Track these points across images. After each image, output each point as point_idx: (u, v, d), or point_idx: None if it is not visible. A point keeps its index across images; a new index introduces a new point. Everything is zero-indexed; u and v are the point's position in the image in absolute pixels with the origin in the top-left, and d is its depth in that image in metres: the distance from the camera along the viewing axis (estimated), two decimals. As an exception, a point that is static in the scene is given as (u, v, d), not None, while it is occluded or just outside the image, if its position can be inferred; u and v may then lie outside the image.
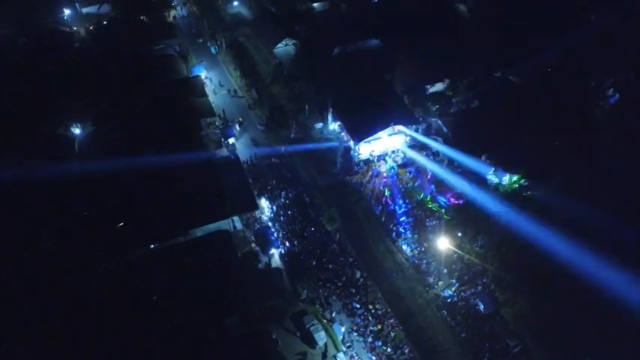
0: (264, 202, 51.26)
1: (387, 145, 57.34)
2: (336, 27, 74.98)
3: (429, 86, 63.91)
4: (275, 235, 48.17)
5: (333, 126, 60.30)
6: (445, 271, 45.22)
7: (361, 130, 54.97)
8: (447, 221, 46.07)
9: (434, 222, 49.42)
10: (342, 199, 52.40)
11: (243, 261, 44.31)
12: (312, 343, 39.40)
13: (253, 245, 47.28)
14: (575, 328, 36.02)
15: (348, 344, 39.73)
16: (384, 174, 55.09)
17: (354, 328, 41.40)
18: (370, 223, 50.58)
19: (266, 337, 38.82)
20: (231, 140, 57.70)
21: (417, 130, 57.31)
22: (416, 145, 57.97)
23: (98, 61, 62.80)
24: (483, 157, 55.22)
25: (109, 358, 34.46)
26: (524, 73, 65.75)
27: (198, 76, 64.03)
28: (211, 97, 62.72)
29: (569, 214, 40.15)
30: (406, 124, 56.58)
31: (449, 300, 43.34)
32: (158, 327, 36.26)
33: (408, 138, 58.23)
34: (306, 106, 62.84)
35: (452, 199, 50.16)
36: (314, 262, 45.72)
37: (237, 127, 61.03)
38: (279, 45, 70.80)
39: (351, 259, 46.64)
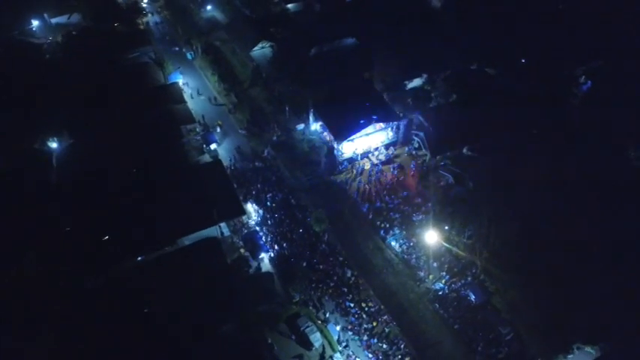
0: (250, 207, 50.89)
1: (370, 142, 57.61)
2: (312, 27, 75.10)
3: (407, 82, 64.51)
4: (263, 239, 47.90)
5: (315, 126, 60.27)
6: (435, 264, 45.68)
7: (343, 129, 55.08)
8: (434, 215, 46.46)
9: (420, 216, 49.90)
10: (329, 199, 52.39)
11: (233, 267, 43.92)
12: (307, 345, 39.38)
13: (242, 251, 46.92)
14: (566, 313, 36.76)
15: (344, 344, 39.77)
16: (369, 172, 55.40)
17: (349, 327, 41.53)
18: (358, 221, 50.71)
19: (262, 342, 38.61)
20: (213, 146, 57.08)
21: (398, 127, 57.69)
22: (398, 141, 58.50)
23: (71, 72, 61.31)
24: (465, 149, 56.11)
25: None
26: (499, 64, 67.08)
27: (176, 83, 63.12)
28: (190, 103, 61.90)
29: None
30: (387, 120, 56.91)
31: (440, 293, 43.84)
32: (152, 339, 35.72)
33: (390, 134, 58.61)
34: (287, 108, 62.64)
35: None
36: (304, 264, 45.62)
37: (218, 130, 60.51)
38: (256, 48, 70.35)
39: (341, 259, 46.72)
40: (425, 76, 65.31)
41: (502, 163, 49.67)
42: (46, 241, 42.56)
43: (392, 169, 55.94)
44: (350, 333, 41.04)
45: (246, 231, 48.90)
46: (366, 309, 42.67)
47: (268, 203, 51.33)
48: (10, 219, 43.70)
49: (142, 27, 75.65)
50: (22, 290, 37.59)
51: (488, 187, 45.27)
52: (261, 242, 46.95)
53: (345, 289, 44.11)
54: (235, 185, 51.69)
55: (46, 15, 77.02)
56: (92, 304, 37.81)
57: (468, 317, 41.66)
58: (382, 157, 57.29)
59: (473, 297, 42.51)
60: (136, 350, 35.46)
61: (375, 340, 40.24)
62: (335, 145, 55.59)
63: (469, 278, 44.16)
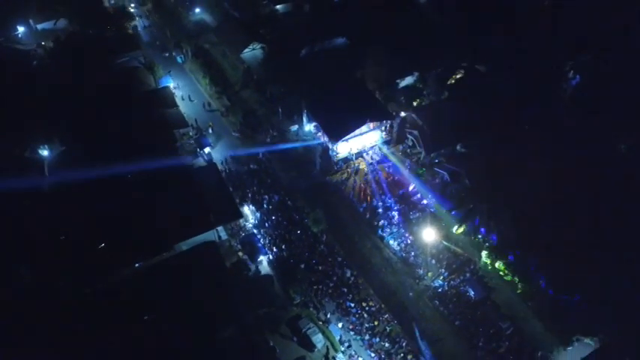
0: (247, 210, 50.66)
1: (364, 142, 57.72)
2: (301, 28, 74.99)
3: (399, 81, 64.71)
4: (261, 241, 47.72)
5: (309, 127, 60.21)
6: (433, 261, 45.92)
7: (337, 129, 55.07)
8: (431, 212, 46.69)
9: (417, 214, 50.13)
10: (325, 199, 52.32)
11: (232, 271, 43.66)
12: (310, 346, 39.36)
13: (240, 254, 46.72)
14: (566, 306, 37.17)
15: (346, 344, 39.77)
16: (364, 171, 55.48)
17: (350, 327, 41.55)
18: (355, 221, 50.78)
19: (263, 345, 38.47)
20: (207, 149, 56.71)
21: (392, 125, 57.86)
22: (392, 140, 58.69)
23: (60, 78, 60.46)
24: (459, 146, 56.48)
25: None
26: (489, 61, 67.59)
27: (167, 87, 62.58)
28: (182, 107, 61.42)
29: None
30: (381, 120, 57.06)
31: (440, 290, 44.07)
32: (152, 346, 35.36)
33: (384, 133, 58.78)
34: (280, 109, 62.48)
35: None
36: (303, 266, 45.54)
37: (210, 131, 60.27)
38: (246, 50, 70.11)
39: (339, 259, 46.74)
40: (416, 74, 65.61)
41: (496, 159, 49.94)
42: (40, 251, 41.97)
43: (386, 168, 56.08)
44: (352, 333, 41.04)
45: (243, 234, 48.67)
46: (367, 308, 42.76)
47: (265, 205, 51.12)
48: (1, 229, 42.95)
49: (130, 31, 74.87)
50: (19, 303, 37.04)
51: (484, 183, 45.53)
52: (259, 245, 46.79)
53: (345, 289, 44.13)
54: (231, 188, 51.43)
55: (31, 21, 75.95)
56: (91, 312, 37.30)
57: (468, 313, 41.97)
58: (377, 157, 57.39)
59: (472, 293, 42.83)
60: (136, 357, 35.13)
61: (377, 339, 40.34)
62: (330, 146, 55.54)
63: (468, 275, 44.46)
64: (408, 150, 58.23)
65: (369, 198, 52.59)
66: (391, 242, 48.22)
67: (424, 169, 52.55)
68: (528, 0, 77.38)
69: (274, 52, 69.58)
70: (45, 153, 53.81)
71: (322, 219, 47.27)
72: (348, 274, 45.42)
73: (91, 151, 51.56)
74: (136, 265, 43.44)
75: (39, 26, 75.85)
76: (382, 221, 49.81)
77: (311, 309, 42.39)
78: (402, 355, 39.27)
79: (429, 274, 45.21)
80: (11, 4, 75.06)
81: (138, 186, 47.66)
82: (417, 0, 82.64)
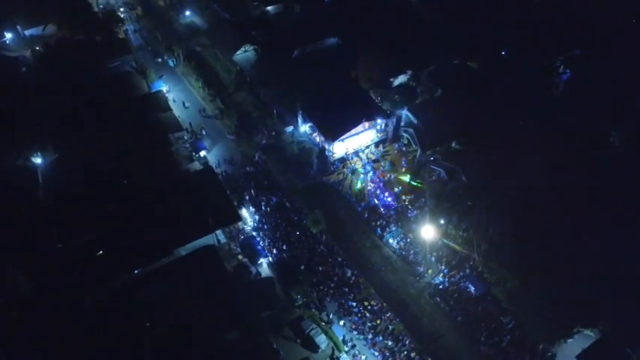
0: (245, 212, 50.47)
1: (360, 141, 57.84)
2: (293, 29, 74.98)
3: (392, 79, 64.92)
4: (261, 244, 47.60)
5: (304, 128, 60.12)
6: (433, 259, 46.14)
7: (333, 129, 55.14)
8: (430, 210, 46.90)
9: (415, 212, 50.30)
10: (323, 200, 52.33)
11: (234, 274, 43.49)
12: (313, 347, 39.39)
13: (240, 257, 46.56)
14: (565, 299, 37.56)
15: (351, 344, 39.83)
16: (361, 170, 55.58)
17: (353, 326, 41.60)
18: (353, 220, 50.85)
19: (267, 348, 38.37)
20: (202, 153, 56.44)
21: (387, 124, 58.03)
22: (387, 139, 58.87)
23: (51, 85, 59.76)
24: (454, 143, 56.79)
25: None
26: (480, 58, 68.11)
27: (160, 91, 62.07)
28: (175, 111, 60.95)
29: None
30: (376, 118, 57.20)
31: (440, 286, 44.33)
32: (155, 352, 35.12)
33: (380, 133, 58.94)
34: (274, 111, 62.33)
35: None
36: (303, 267, 45.52)
37: (203, 132, 59.98)
38: (239, 52, 69.87)
39: (339, 259, 46.80)
40: (409, 72, 65.88)
41: (492, 155, 50.37)
42: (37, 260, 41.47)
43: (382, 167, 56.19)
44: (354, 332, 41.09)
45: (242, 237, 48.52)
46: (369, 307, 42.87)
47: (263, 208, 50.99)
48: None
49: (120, 36, 74.19)
50: (17, 314, 36.61)
51: (481, 179, 45.85)
52: (259, 247, 46.71)
53: (346, 289, 44.21)
54: (228, 191, 51.20)
55: (19, 27, 74.83)
56: (91, 321, 36.95)
57: (469, 309, 42.26)
58: (373, 156, 57.51)
59: (473, 289, 43.13)
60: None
61: (380, 338, 40.45)
62: (326, 146, 55.55)
63: (467, 270, 44.74)
64: (404, 148, 58.48)
65: (366, 197, 52.66)
66: (390, 241, 48.38)
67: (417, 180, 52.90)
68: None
69: (267, 53, 69.46)
70: (38, 161, 53.11)
71: (321, 220, 47.23)
72: (349, 273, 45.49)
73: (85, 157, 51.02)
74: (135, 271, 43.07)
75: (27, 32, 74.72)
76: (380, 220, 49.95)
77: (313, 310, 42.39)
78: (405, 352, 39.42)
79: (429, 271, 45.47)
80: (-2, 10, 74.11)
81: (134, 191, 47.32)
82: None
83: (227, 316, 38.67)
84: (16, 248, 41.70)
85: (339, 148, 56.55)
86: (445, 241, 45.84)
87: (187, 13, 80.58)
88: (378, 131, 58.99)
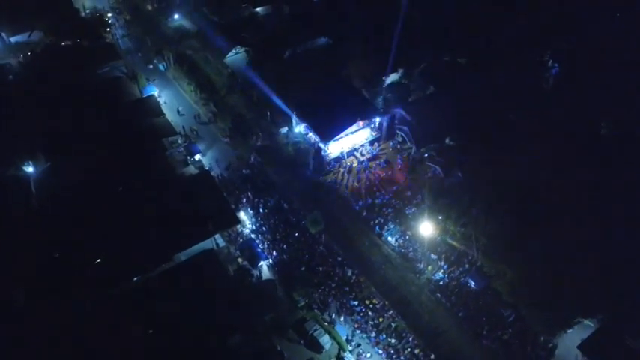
0: (243, 215, 50.28)
1: (355, 140, 57.97)
2: (283, 30, 74.96)
3: (384, 78, 65.17)
4: (260, 246, 47.45)
5: (299, 128, 60.10)
6: (432, 255, 46.38)
7: (328, 129, 55.23)
8: (428, 206, 47.19)
9: (413, 209, 50.54)
10: (320, 200, 52.32)
11: (236, 278, 43.32)
12: (318, 347, 39.38)
13: (240, 260, 46.36)
14: (564, 289, 38.10)
15: (357, 343, 39.94)
16: (357, 169, 55.70)
17: (356, 325, 41.67)
18: (351, 220, 50.93)
19: (272, 351, 38.28)
20: (197, 157, 56.09)
21: (381, 122, 58.23)
22: (382, 137, 59.08)
23: (39, 92, 58.96)
24: (448, 140, 57.17)
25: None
26: (470, 54, 68.70)
27: (152, 95, 61.60)
28: (168, 115, 60.42)
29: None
30: (371, 117, 57.41)
31: (440, 282, 44.60)
32: (160, 358, 34.91)
33: (374, 131, 59.15)
34: (268, 112, 62.16)
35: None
36: (304, 268, 45.50)
37: (195, 134, 59.74)
38: (230, 54, 69.68)
39: (339, 259, 46.83)
40: (401, 70, 66.22)
41: (486, 150, 50.90)
42: (34, 271, 40.89)
43: (378, 165, 56.36)
44: (358, 331, 41.18)
45: (241, 240, 48.33)
46: (371, 306, 42.96)
47: (261, 210, 50.85)
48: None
49: (109, 41, 73.43)
50: (17, 326, 36.10)
51: (476, 174, 46.30)
52: (259, 250, 46.54)
53: (348, 289, 44.28)
54: (225, 194, 50.99)
55: (4, 34, 73.74)
56: (92, 330, 36.52)
57: (470, 303, 42.59)
58: (368, 154, 57.68)
59: (473, 283, 43.47)
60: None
61: (384, 336, 40.57)
62: (322, 146, 55.58)
63: (467, 265, 45.09)
64: (398, 146, 58.73)
65: (363, 196, 52.79)
66: (389, 238, 48.56)
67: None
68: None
69: (258, 55, 69.39)
70: (30, 170, 52.33)
71: (320, 220, 47.26)
72: (349, 273, 45.58)
73: (79, 165, 50.40)
74: (135, 279, 42.69)
75: (12, 39, 73.66)
76: (379, 218, 50.12)
77: (315, 310, 42.37)
78: (409, 349, 39.60)
79: (429, 267, 45.69)
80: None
81: (130, 198, 46.89)
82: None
83: (230, 320, 38.52)
84: (12, 259, 41.04)
85: (334, 148, 56.64)
86: (444, 237, 46.09)
87: (176, 16, 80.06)
88: (372, 130, 59.19)
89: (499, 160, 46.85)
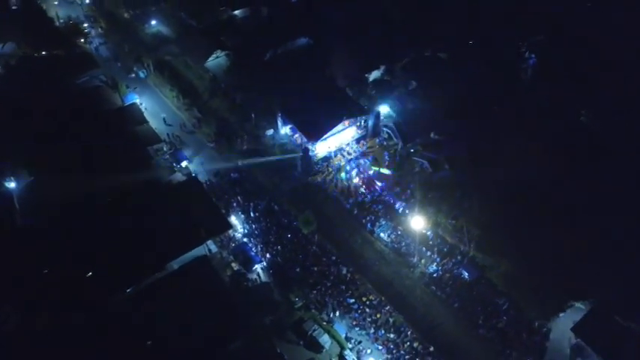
0: (234, 220, 49.99)
1: (341, 139, 58.18)
2: (263, 31, 74.64)
3: (367, 75, 65.53)
4: (254, 250, 47.27)
5: (285, 130, 60.03)
6: (424, 248, 46.87)
7: (315, 129, 55.32)
8: (418, 201, 47.67)
9: (403, 204, 50.97)
10: (310, 200, 52.32)
11: (230, 283, 43.09)
12: (317, 347, 39.47)
13: (234, 265, 46.10)
14: (560, 276, 39.00)
15: (357, 341, 40.13)
16: (345, 168, 55.89)
17: (354, 323, 41.87)
18: (343, 218, 51.12)
19: (272, 353, 38.20)
20: (184, 163, 55.51)
21: (366, 120, 58.56)
22: (368, 134, 59.41)
23: (16, 105, 57.45)
24: (432, 134, 57.86)
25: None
26: (449, 49, 69.58)
27: (134, 103, 60.64)
28: (151, 123, 59.49)
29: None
30: (356, 115, 57.69)
31: (434, 275, 45.12)
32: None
33: (359, 129, 59.44)
34: (252, 115, 61.86)
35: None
36: (298, 269, 45.50)
37: (179, 139, 59.23)
38: (210, 58, 69.07)
39: (333, 258, 46.97)
40: (383, 67, 66.67)
41: (471, 142, 51.76)
42: (24, 288, 39.95)
43: (365, 163, 56.62)
44: (356, 329, 41.39)
45: (233, 244, 48.05)
46: (367, 302, 43.22)
47: (252, 213, 50.63)
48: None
49: (86, 50, 72.03)
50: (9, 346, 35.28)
51: (464, 166, 46.97)
52: (252, 253, 46.37)
53: (344, 287, 44.45)
54: (214, 199, 50.61)
55: (-27, 47, 71.66)
56: (89, 344, 35.91)
57: (464, 294, 43.21)
58: (355, 152, 57.93)
59: (466, 274, 44.10)
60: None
61: (382, 332, 40.89)
62: (309, 147, 55.60)
63: (459, 257, 45.73)
64: (385, 142, 59.12)
65: (353, 194, 53.02)
66: (381, 235, 48.90)
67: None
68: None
69: (239, 58, 68.96)
70: (12, 185, 51.07)
71: (312, 220, 47.23)
72: (344, 271, 45.74)
73: (63, 177, 49.32)
74: (128, 290, 42.04)
75: (-17, 52, 71.64)
76: (369, 215, 50.42)
77: (313, 311, 42.44)
78: (408, 343, 40.00)
79: (422, 261, 46.17)
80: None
81: (119, 208, 46.16)
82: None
83: (228, 326, 38.27)
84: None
85: (321, 148, 56.72)
86: (435, 230, 46.63)
87: (153, 22, 78.90)
88: (358, 128, 59.47)
89: (484, 152, 47.60)
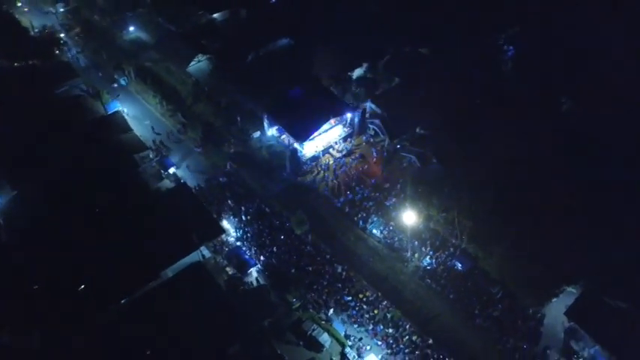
0: (226, 224, 49.70)
1: (329, 138, 58.37)
2: (243, 33, 74.33)
3: (351, 73, 65.81)
4: (248, 253, 47.08)
5: (271, 131, 59.90)
6: (417, 242, 47.31)
7: (302, 130, 55.38)
8: (409, 195, 48.10)
9: (393, 200, 51.39)
10: (301, 200, 52.32)
11: (226, 288, 42.85)
12: (317, 347, 39.56)
13: (228, 270, 45.87)
14: (554, 261, 39.86)
15: (358, 338, 40.32)
16: (333, 166, 56.08)
17: (352, 320, 42.07)
18: (334, 217, 51.27)
19: (272, 355, 38.12)
20: (171, 170, 54.94)
21: (352, 117, 58.83)
22: (354, 132, 59.71)
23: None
24: (418, 129, 58.44)
25: None
26: (429, 44, 70.26)
27: (118, 112, 59.69)
28: (136, 130, 58.66)
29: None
30: (342, 114, 57.89)
31: (429, 268, 45.61)
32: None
33: (346, 127, 59.70)
34: (238, 118, 61.56)
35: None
36: (294, 270, 45.49)
37: (162, 144, 58.65)
38: (192, 63, 68.51)
39: (328, 257, 47.07)
40: (365, 64, 67.04)
41: (457, 134, 52.41)
42: (15, 307, 39.04)
43: (354, 160, 56.91)
44: (355, 326, 41.60)
45: (227, 249, 47.78)
46: (364, 299, 43.44)
47: (243, 217, 50.39)
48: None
49: (64, 59, 70.59)
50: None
51: (452, 159, 47.58)
52: (246, 257, 46.17)
53: (340, 285, 44.59)
54: (205, 205, 50.18)
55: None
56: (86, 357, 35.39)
57: (459, 285, 43.80)
58: (343, 150, 58.18)
59: (460, 265, 44.72)
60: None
61: (381, 327, 41.15)
62: (297, 147, 55.60)
63: (452, 249, 46.33)
64: (371, 139, 59.52)
65: (343, 192, 53.21)
66: (374, 231, 49.21)
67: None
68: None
69: (221, 61, 68.55)
70: (-5, 201, 49.89)
71: (305, 219, 47.27)
72: (339, 269, 45.88)
73: (48, 190, 48.42)
74: (123, 301, 41.46)
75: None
76: (361, 212, 50.69)
77: (311, 310, 42.49)
78: (407, 337, 40.36)
79: (416, 255, 46.62)
80: None
81: (108, 219, 45.39)
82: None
83: (227, 330, 38.12)
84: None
85: (309, 148, 56.79)
86: (427, 223, 47.12)
87: (131, 28, 77.75)
88: (344, 126, 59.74)
89: (471, 144, 48.30)
